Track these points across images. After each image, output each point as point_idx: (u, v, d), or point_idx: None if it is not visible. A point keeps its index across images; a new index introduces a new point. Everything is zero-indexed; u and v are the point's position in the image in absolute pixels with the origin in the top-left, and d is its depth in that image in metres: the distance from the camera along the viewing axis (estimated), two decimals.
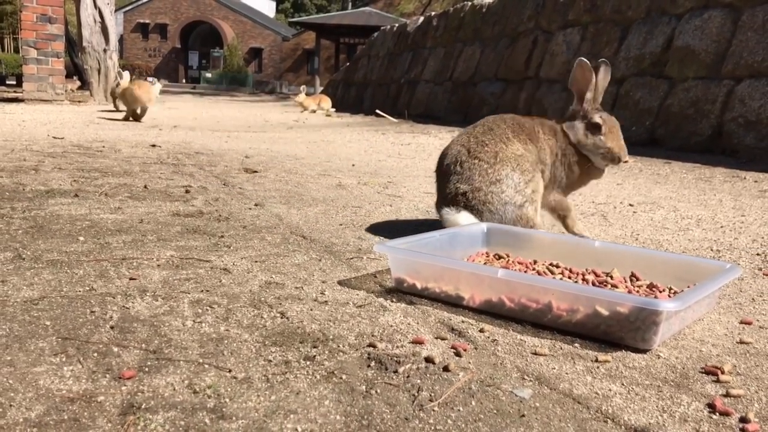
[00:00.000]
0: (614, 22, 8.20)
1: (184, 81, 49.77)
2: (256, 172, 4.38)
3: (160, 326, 1.51)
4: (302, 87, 16.10)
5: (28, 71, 11.69)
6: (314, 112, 14.42)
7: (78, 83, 18.92)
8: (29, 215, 2.62)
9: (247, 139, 7.12)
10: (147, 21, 51.41)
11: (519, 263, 2.06)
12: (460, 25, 12.40)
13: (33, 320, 1.50)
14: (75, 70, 20.16)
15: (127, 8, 50.87)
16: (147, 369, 1.28)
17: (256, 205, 3.17)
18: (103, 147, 5.31)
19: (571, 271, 1.99)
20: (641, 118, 7.24)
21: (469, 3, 12.42)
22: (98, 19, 12.50)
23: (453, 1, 23.74)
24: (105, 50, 12.64)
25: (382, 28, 17.25)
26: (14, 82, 23.66)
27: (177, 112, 12.05)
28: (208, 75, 49.05)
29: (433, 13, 14.47)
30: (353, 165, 5.14)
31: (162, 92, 22.31)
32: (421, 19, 14.85)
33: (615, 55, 7.94)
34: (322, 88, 31.54)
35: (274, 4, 66.12)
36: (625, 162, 2.53)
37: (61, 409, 1.11)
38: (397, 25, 16.49)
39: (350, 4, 62.88)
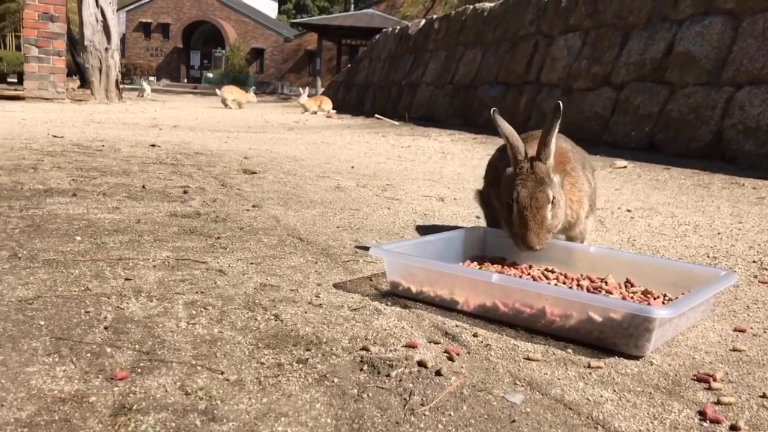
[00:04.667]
0: (615, 27, 8.21)
1: (185, 81, 49.79)
2: (255, 173, 4.38)
3: (154, 327, 1.51)
4: (305, 88, 16.11)
5: (29, 69, 11.71)
6: (315, 113, 14.43)
7: (78, 82, 18.91)
8: (26, 214, 2.62)
9: (247, 139, 7.12)
10: (149, 20, 51.41)
11: (514, 268, 2.06)
12: (461, 29, 12.42)
13: (27, 320, 1.51)
14: (76, 69, 20.17)
15: (130, 7, 50.88)
16: (140, 370, 1.29)
17: (253, 206, 3.17)
18: (103, 146, 5.31)
19: (566, 276, 1.99)
20: (641, 123, 7.24)
21: (471, 7, 12.43)
22: (100, 18, 12.51)
23: (455, 4, 23.76)
24: (107, 49, 12.65)
25: (383, 30, 17.26)
26: (15, 80, 23.66)
27: (178, 112, 12.05)
28: (210, 75, 49.06)
29: (434, 16, 14.48)
30: (352, 167, 5.15)
31: (164, 92, 22.26)
32: (423, 21, 14.86)
33: (616, 60, 7.95)
34: (323, 89, 31.54)
35: (276, 4, 66.15)
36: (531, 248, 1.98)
37: (52, 410, 1.11)
38: (398, 27, 16.50)
39: (353, 5, 62.96)
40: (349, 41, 39.54)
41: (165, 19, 51.33)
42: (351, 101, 17.26)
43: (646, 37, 7.63)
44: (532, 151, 2.07)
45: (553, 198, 2.00)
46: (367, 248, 2.42)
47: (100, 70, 12.69)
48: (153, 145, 5.66)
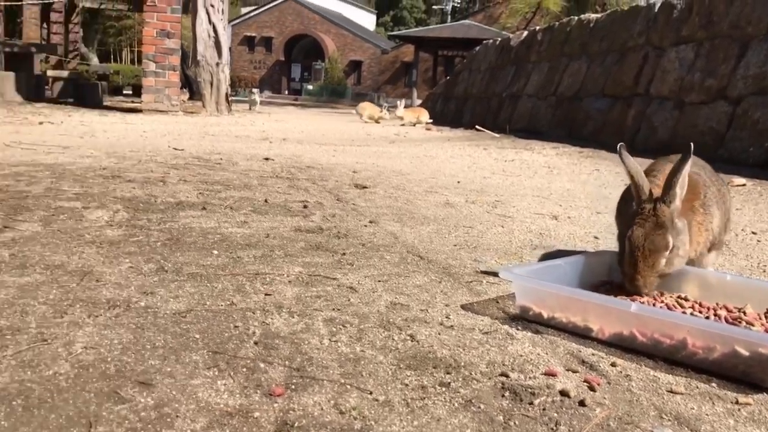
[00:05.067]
0: (732, 38, 7.86)
1: (286, 92, 51.28)
2: (365, 187, 4.47)
3: (301, 344, 1.59)
4: (401, 100, 16.23)
5: (146, 83, 12.39)
6: (414, 125, 14.53)
7: (187, 94, 19.83)
8: (164, 227, 2.79)
9: (353, 153, 7.27)
10: (253, 34, 53.33)
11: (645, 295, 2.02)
12: (565, 40, 12.22)
13: (183, 332, 1.61)
14: (185, 82, 21.16)
15: (235, 22, 52.92)
16: (294, 387, 1.35)
17: (370, 222, 3.24)
18: (221, 160, 5.56)
19: (701, 305, 1.94)
20: (760, 138, 6.89)
21: (576, 18, 12.22)
22: (212, 34, 13.10)
23: (556, 16, 23.39)
24: (217, 64, 13.22)
25: (484, 41, 17.21)
26: (130, 92, 25.02)
27: (284, 124, 12.43)
28: (310, 87, 50.36)
29: (537, 28, 14.32)
30: (458, 182, 5.16)
31: (267, 104, 23.03)
32: (525, 33, 14.72)
33: (732, 73, 7.61)
34: (419, 101, 31.72)
35: (374, 17, 67.17)
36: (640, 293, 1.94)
37: (222, 423, 1.19)
38: (499, 39, 16.41)
39: (449, 17, 63.07)
40: (446, 52, 39.78)
41: (268, 33, 53.11)
42: (449, 113, 17.28)
43: (766, 49, 7.27)
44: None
45: (672, 246, 1.92)
46: (489, 270, 2.43)
47: (211, 84, 13.27)
48: (267, 159, 5.87)
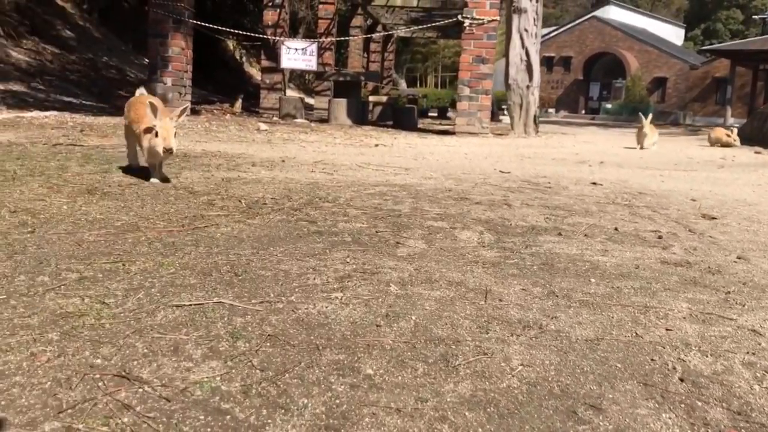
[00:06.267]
0: None
1: (583, 112, 50.23)
2: (714, 218, 4.20)
3: (730, 387, 1.56)
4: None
5: (461, 107, 13.03)
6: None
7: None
8: (532, 251, 2.92)
9: (681, 178, 6.87)
10: (552, 54, 53.18)
11: None
12: None
13: (603, 360, 1.68)
14: None
15: None
16: (743, 431, 1.33)
17: (738, 258, 3.04)
18: (549, 183, 5.64)
19: None
20: None
21: None
22: (524, 58, 13.38)
23: None
24: (528, 86, 13.47)
25: None
26: (435, 114, 26.42)
27: (593, 146, 12.20)
28: (608, 106, 48.69)
29: None
30: None
31: (565, 124, 22.69)
32: None
33: None
34: (734, 120, 28.86)
35: (682, 31, 62.79)
36: None
37: None
38: None
39: None
40: None
41: (567, 53, 52.61)
42: None
43: None
44: None
45: None
46: None
47: (521, 107, 13.54)
48: (594, 183, 5.82)
